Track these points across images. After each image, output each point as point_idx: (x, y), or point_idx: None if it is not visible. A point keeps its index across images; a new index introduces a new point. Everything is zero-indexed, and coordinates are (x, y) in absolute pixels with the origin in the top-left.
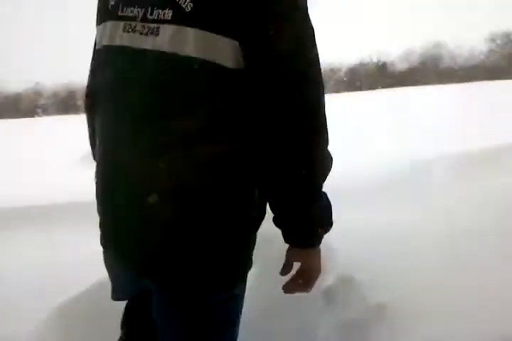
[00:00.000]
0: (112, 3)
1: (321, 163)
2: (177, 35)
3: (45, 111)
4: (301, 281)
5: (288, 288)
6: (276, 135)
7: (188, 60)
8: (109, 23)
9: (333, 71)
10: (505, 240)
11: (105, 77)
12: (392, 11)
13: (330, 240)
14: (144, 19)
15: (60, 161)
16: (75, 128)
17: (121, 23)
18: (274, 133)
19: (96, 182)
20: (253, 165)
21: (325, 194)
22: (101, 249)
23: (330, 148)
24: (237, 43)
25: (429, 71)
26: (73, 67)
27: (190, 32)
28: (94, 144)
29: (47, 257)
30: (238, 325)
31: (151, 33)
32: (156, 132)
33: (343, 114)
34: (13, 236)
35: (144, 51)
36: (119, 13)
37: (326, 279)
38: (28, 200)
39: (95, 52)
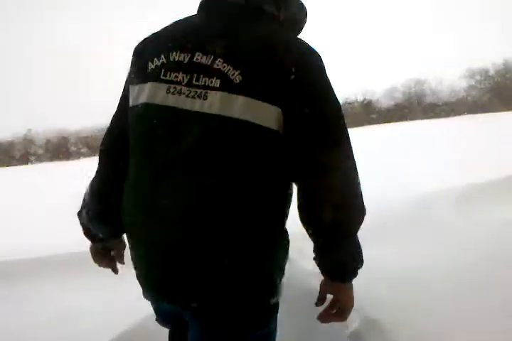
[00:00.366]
0: (153, 67)
1: (355, 213)
2: (227, 100)
3: (38, 158)
4: (334, 311)
5: (324, 318)
6: (316, 192)
7: (239, 122)
8: (149, 84)
9: None
10: None
11: (147, 131)
12: (372, 52)
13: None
14: (190, 84)
15: (55, 209)
16: (69, 174)
17: (165, 86)
18: (313, 190)
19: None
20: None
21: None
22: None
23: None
24: (280, 110)
25: (413, 107)
26: (65, 113)
27: (240, 99)
28: (98, 190)
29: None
30: None
31: (199, 97)
32: (201, 186)
33: None
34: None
35: (194, 112)
36: (162, 77)
37: (352, 321)
38: (24, 252)
39: (130, 108)
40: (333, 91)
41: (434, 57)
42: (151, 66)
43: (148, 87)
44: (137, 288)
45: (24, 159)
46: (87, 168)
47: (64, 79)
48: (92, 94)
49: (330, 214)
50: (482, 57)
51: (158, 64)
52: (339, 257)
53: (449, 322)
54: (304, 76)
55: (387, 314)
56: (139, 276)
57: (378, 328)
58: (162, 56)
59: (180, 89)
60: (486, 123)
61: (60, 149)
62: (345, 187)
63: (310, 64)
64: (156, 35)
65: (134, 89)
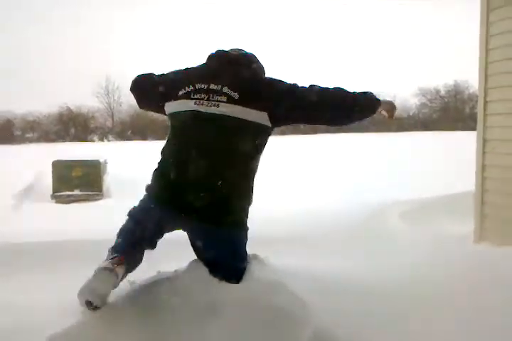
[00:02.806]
0: (184, 91)
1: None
2: (232, 108)
3: None
4: (387, 113)
5: (389, 118)
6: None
7: (239, 120)
8: (183, 101)
9: None
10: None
11: (185, 124)
12: (330, 63)
13: (302, 292)
14: (208, 99)
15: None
16: (10, 159)
17: (193, 101)
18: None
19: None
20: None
21: (364, 93)
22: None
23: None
24: (266, 114)
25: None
26: (11, 95)
27: (239, 107)
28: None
29: None
30: None
31: (214, 106)
32: (223, 158)
33: (298, 156)
34: None
35: (212, 114)
36: (192, 96)
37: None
38: None
39: (172, 114)
40: (285, 84)
41: (388, 74)
42: (182, 91)
43: (183, 102)
44: None
45: None
46: (34, 153)
47: (11, 59)
48: (42, 76)
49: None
50: (434, 77)
51: (189, 90)
52: (369, 107)
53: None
54: (271, 93)
55: (340, 324)
56: (162, 189)
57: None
58: (190, 85)
59: (203, 102)
60: (435, 140)
61: (3, 133)
62: (335, 98)
63: (272, 85)
64: (181, 72)
65: (171, 104)
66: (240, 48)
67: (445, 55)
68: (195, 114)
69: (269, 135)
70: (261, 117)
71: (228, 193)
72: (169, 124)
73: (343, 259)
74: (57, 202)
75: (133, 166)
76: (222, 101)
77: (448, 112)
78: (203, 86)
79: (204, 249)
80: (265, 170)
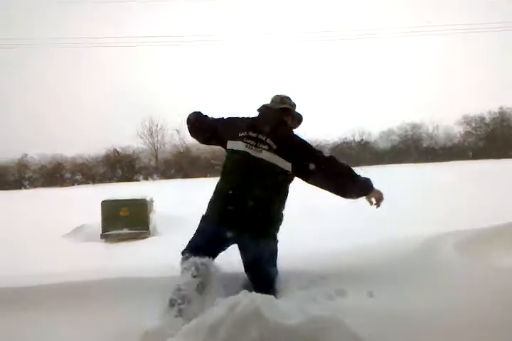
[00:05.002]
0: (241, 135)
1: (350, 172)
2: (270, 155)
3: (32, 183)
4: (376, 201)
5: (377, 206)
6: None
7: (274, 165)
8: (239, 142)
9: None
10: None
11: (235, 162)
12: (369, 95)
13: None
14: (255, 146)
15: (45, 236)
16: (60, 201)
17: (245, 144)
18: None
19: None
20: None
21: (365, 178)
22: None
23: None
24: (290, 164)
25: (410, 150)
26: (61, 139)
27: (276, 156)
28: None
29: None
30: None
31: (259, 152)
32: (261, 188)
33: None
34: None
35: (256, 158)
36: (244, 140)
37: None
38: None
39: (230, 150)
40: (306, 143)
41: (430, 102)
42: (240, 134)
43: (239, 143)
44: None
45: (18, 184)
46: (83, 194)
47: (59, 106)
48: (87, 121)
49: (342, 180)
50: (478, 105)
51: (243, 134)
52: (363, 188)
53: None
54: (300, 150)
55: None
56: (215, 212)
57: None
58: (245, 132)
59: (252, 147)
60: (483, 170)
61: (54, 175)
62: (339, 169)
63: (302, 145)
64: (239, 119)
65: (231, 142)
66: (281, 96)
67: (489, 83)
68: (245, 155)
69: (291, 178)
70: (287, 166)
71: (265, 213)
72: (226, 156)
73: (397, 294)
74: (106, 241)
75: (177, 204)
76: (265, 149)
77: (494, 140)
78: (253, 134)
79: (250, 255)
80: (304, 205)
